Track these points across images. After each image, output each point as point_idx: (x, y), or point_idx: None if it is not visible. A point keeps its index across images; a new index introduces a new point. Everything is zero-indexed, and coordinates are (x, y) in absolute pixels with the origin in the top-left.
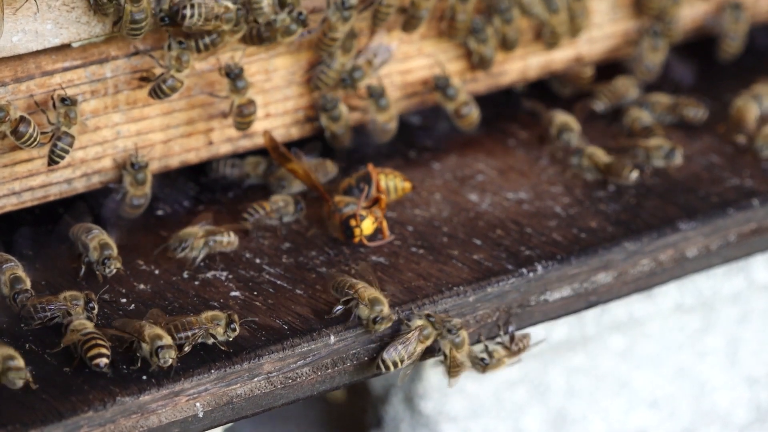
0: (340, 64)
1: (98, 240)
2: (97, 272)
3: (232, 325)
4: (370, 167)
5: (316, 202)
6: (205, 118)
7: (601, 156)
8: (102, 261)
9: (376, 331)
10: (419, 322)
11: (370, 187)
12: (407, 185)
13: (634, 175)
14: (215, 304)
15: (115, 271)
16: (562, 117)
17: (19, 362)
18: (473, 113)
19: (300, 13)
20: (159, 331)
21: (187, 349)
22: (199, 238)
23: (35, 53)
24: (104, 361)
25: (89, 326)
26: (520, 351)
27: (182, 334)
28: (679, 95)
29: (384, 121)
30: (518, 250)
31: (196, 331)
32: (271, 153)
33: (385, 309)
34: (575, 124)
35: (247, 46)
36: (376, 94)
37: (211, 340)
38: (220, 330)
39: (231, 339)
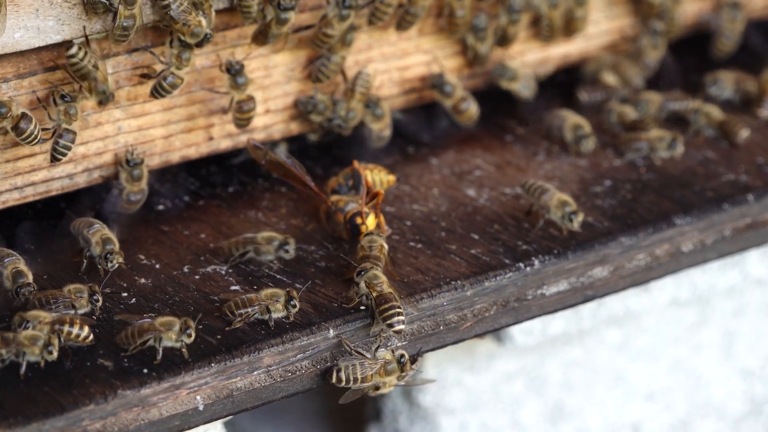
0: (341, 57)
1: (100, 235)
2: (100, 266)
3: (291, 302)
4: (356, 164)
5: (310, 198)
6: (205, 113)
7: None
8: (105, 256)
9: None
10: (387, 357)
11: (357, 183)
12: (391, 178)
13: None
14: (215, 298)
15: (117, 265)
16: (574, 118)
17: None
18: (472, 108)
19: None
20: (167, 318)
21: (238, 325)
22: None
23: (37, 49)
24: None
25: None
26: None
27: (241, 311)
28: (671, 91)
29: (379, 129)
30: (515, 244)
31: (256, 307)
32: (259, 162)
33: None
34: (587, 124)
35: (258, 47)
36: (372, 104)
37: (266, 316)
38: (279, 306)
39: (290, 316)
